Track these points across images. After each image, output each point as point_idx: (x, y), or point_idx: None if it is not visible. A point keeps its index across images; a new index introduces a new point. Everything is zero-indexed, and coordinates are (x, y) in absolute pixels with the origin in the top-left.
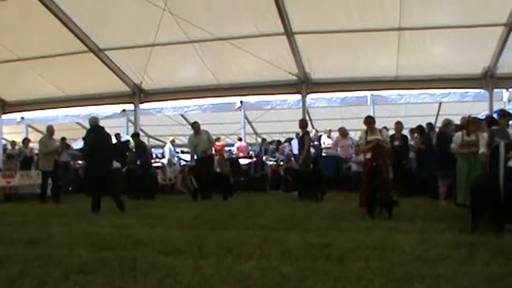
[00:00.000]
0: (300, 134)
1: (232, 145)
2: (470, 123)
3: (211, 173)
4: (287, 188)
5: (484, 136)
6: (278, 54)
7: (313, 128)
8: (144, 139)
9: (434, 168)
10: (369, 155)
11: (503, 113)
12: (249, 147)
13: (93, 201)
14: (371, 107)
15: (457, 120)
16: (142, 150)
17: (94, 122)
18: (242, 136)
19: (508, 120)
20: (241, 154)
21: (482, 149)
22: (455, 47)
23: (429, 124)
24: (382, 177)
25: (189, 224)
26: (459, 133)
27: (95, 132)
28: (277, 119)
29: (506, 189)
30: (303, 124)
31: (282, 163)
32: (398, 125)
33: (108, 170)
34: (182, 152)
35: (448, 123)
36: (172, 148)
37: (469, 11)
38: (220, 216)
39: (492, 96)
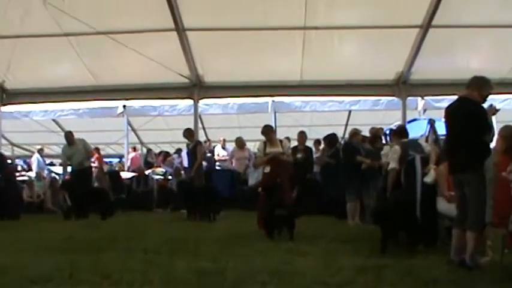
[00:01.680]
0: (191, 145)
1: (114, 156)
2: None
3: (88, 188)
4: (176, 206)
5: (396, 150)
6: (167, 53)
7: (206, 137)
8: (7, 148)
9: (341, 183)
10: (267, 169)
11: (400, 128)
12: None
13: None
14: (272, 115)
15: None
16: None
17: None
18: (125, 146)
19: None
20: (134, 167)
21: (393, 164)
22: (365, 50)
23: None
24: (283, 194)
25: (60, 248)
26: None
27: None
28: (165, 127)
29: (423, 207)
30: (189, 134)
31: (170, 177)
32: (302, 136)
33: None
34: (52, 163)
35: (354, 133)
36: (40, 159)
37: (381, 11)
38: (98, 238)
39: (405, 105)
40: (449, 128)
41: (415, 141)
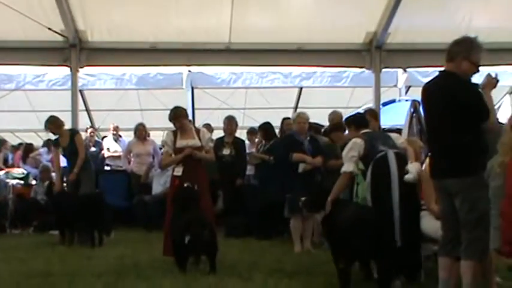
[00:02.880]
0: (64, 140)
1: None
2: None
3: None
4: (43, 223)
5: (356, 144)
6: None
7: (91, 123)
8: None
9: (283, 191)
10: (179, 171)
11: (372, 113)
12: None
13: None
14: (188, 92)
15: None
16: None
17: None
18: None
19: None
20: None
21: (347, 166)
22: (323, 2)
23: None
24: (199, 207)
25: None
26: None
27: None
28: (28, 107)
29: (404, 221)
30: (54, 124)
31: (34, 182)
32: (231, 123)
33: None
34: None
35: (297, 118)
36: None
37: None
38: None
39: (380, 80)
40: (428, 115)
41: (381, 133)
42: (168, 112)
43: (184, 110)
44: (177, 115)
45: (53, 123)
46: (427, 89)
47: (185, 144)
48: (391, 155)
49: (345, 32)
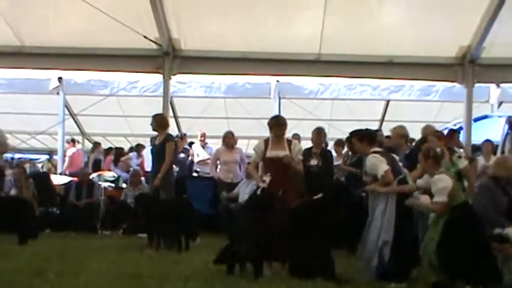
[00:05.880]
0: (158, 140)
1: (41, 151)
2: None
3: None
4: (132, 226)
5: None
6: (128, 6)
7: (179, 131)
8: None
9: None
10: (266, 179)
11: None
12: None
13: None
14: (275, 102)
15: (415, 131)
16: None
17: None
18: (60, 137)
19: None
20: (73, 168)
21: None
22: (416, 13)
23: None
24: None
25: None
26: None
27: None
28: (120, 112)
29: None
30: (161, 122)
31: (124, 185)
32: (319, 134)
33: None
34: None
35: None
36: None
37: None
38: (14, 271)
39: (472, 95)
40: None
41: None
42: (255, 121)
43: (283, 119)
44: (281, 123)
45: (157, 121)
46: None
47: (275, 155)
48: None
49: (436, 45)
